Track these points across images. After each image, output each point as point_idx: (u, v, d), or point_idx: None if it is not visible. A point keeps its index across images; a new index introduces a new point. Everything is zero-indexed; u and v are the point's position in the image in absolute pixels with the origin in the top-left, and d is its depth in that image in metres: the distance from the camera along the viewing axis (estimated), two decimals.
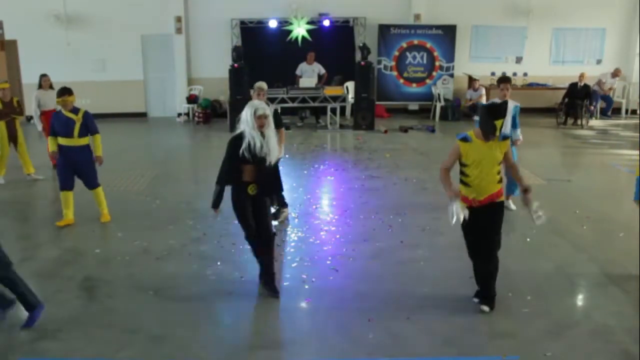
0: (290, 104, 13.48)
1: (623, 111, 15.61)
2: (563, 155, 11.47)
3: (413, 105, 15.86)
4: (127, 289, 5.34)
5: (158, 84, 15.41)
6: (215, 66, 14.50)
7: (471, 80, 14.63)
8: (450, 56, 15.37)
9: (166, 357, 4.29)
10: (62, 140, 6.90)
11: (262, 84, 6.87)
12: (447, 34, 15.24)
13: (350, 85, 14.14)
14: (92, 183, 7.13)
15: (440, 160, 4.99)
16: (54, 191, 8.81)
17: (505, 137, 4.71)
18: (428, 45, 15.31)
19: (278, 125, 6.79)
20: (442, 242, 6.34)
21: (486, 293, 4.90)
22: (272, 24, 14.52)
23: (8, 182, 9.05)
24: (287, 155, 10.82)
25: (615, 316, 4.80)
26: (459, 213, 4.56)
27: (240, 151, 4.84)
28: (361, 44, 13.40)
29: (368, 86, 13.33)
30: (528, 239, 6.54)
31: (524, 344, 4.40)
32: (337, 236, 6.67)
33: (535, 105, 15.65)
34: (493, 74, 15.45)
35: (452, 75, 15.37)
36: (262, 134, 4.89)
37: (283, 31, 14.23)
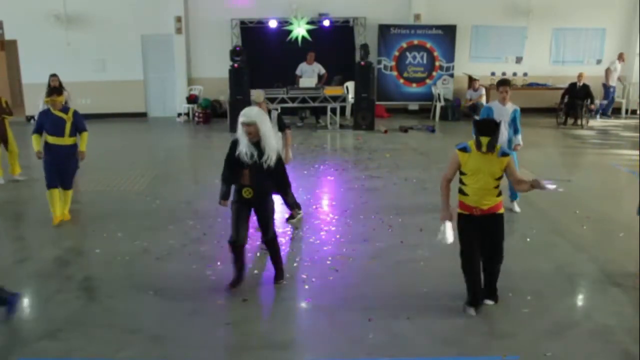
0: (290, 104, 13.49)
1: (623, 111, 15.62)
2: (563, 155, 11.47)
3: (413, 105, 15.86)
4: (127, 289, 5.34)
5: (158, 84, 15.41)
6: (215, 66, 14.50)
7: (471, 80, 14.63)
8: (450, 56, 15.37)
9: (166, 357, 4.29)
10: (52, 139, 6.91)
11: (257, 97, 6.64)
12: (447, 34, 15.24)
13: (350, 85, 14.14)
14: (68, 184, 7.15)
15: (441, 160, 5.01)
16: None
17: (505, 154, 4.66)
18: (428, 45, 15.31)
19: (282, 128, 6.81)
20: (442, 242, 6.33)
21: (492, 291, 4.95)
22: (272, 24, 14.52)
23: (7, 182, 9.04)
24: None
25: (615, 316, 4.80)
26: (446, 235, 4.73)
27: (236, 154, 4.94)
28: (362, 44, 13.36)
29: (368, 86, 13.33)
30: (528, 239, 6.54)
31: (524, 344, 4.40)
32: (337, 236, 6.67)
33: (535, 105, 15.65)
34: (493, 74, 15.46)
35: (452, 75, 15.37)
36: (258, 142, 4.90)
37: (283, 31, 14.23)
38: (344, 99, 13.91)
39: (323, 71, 14.01)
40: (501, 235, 4.82)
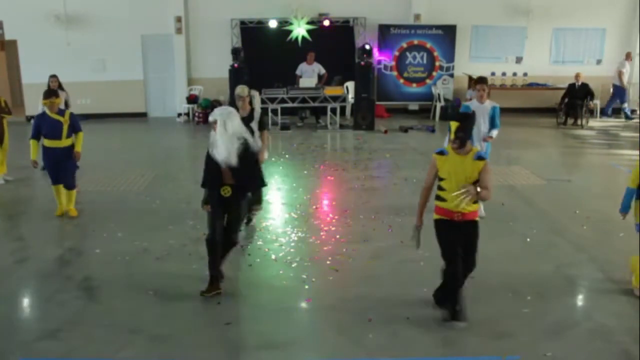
0: (290, 104, 13.49)
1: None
2: (563, 155, 11.47)
3: (413, 105, 15.86)
4: (127, 289, 5.34)
5: (158, 84, 15.41)
6: (215, 66, 14.50)
7: (471, 80, 14.60)
8: (450, 56, 15.37)
9: (166, 357, 4.29)
10: (49, 142, 6.98)
11: (242, 91, 6.75)
12: (447, 34, 15.24)
13: (350, 85, 14.15)
14: (70, 184, 7.22)
15: None
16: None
17: (480, 158, 4.57)
18: (428, 45, 15.31)
19: (261, 127, 6.88)
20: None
21: (455, 305, 4.70)
22: (272, 24, 14.52)
23: (7, 182, 9.04)
24: (287, 155, 10.85)
25: (615, 316, 4.80)
26: (418, 241, 4.77)
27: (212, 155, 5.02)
28: (367, 47, 13.32)
29: (368, 86, 13.33)
30: (528, 239, 6.54)
31: (524, 344, 4.40)
32: (337, 236, 6.67)
33: (535, 105, 15.67)
34: (493, 74, 15.46)
35: (452, 75, 15.37)
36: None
37: (283, 31, 14.24)
38: (344, 99, 13.91)
39: (323, 71, 14.01)
40: (477, 242, 4.70)
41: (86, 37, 14.56)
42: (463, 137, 4.47)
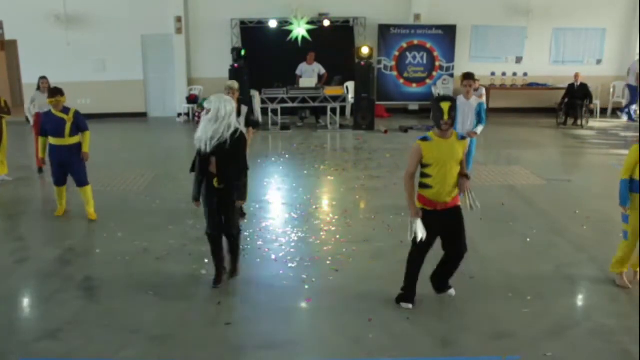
0: (290, 104, 13.49)
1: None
2: (563, 155, 11.47)
3: (413, 105, 15.86)
4: (127, 289, 5.34)
5: (158, 84, 15.40)
6: (215, 66, 14.49)
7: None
8: (450, 56, 15.37)
9: (166, 357, 4.29)
10: (53, 140, 6.97)
11: (233, 83, 6.72)
12: (447, 34, 15.24)
13: (350, 85, 14.14)
14: (81, 181, 7.19)
15: None
16: (52, 190, 8.81)
17: (463, 137, 4.75)
18: (428, 45, 15.31)
19: (247, 124, 6.77)
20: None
21: (447, 280, 5.01)
22: (272, 24, 14.52)
23: (7, 182, 9.05)
24: (287, 155, 10.85)
25: (615, 316, 4.80)
26: (418, 232, 4.65)
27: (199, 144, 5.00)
28: (366, 50, 13.31)
29: (368, 86, 13.34)
30: (528, 239, 6.54)
31: (524, 344, 4.40)
32: (337, 236, 6.67)
33: (535, 105, 15.68)
34: (493, 74, 15.48)
35: (452, 75, 15.35)
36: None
37: (283, 31, 14.23)
38: (344, 99, 13.91)
39: (323, 71, 14.01)
40: (463, 226, 4.80)
41: (86, 37, 14.56)
42: (455, 117, 4.63)
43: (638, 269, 5.38)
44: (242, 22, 14.92)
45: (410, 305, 4.92)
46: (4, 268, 5.84)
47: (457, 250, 4.82)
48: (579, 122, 13.96)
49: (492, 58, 15.66)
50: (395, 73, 15.49)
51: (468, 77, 7.14)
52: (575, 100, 13.86)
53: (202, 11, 15.06)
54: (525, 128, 13.76)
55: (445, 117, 4.54)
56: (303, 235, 6.70)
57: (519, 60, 15.74)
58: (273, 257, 6.06)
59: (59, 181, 7.20)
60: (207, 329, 4.65)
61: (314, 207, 7.79)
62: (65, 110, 6.99)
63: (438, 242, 4.87)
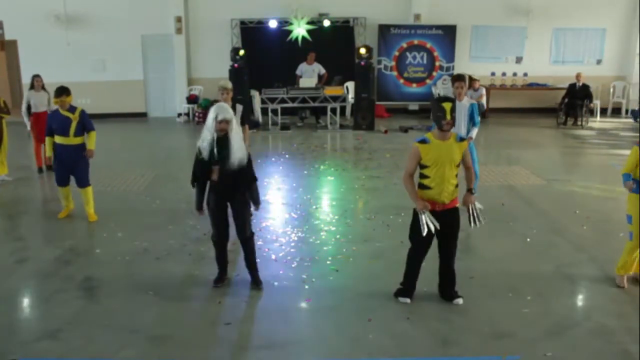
0: (290, 104, 13.49)
1: (623, 111, 15.61)
2: (563, 155, 11.47)
3: (413, 105, 15.86)
4: (127, 289, 5.34)
5: (158, 84, 15.41)
6: (215, 66, 14.49)
7: (471, 80, 14.61)
8: (450, 56, 15.37)
9: (166, 357, 4.29)
10: (58, 139, 6.95)
11: (226, 83, 6.72)
12: (447, 34, 15.24)
13: (350, 85, 14.15)
14: (83, 182, 7.17)
15: None
16: (52, 190, 8.82)
17: (462, 139, 4.76)
18: (428, 45, 15.31)
19: (243, 123, 6.68)
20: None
21: (453, 288, 5.02)
22: (272, 24, 14.52)
23: (7, 182, 9.05)
24: (287, 155, 10.85)
25: (615, 316, 4.80)
26: (429, 224, 4.67)
27: (201, 150, 4.96)
28: (364, 51, 13.31)
29: (368, 86, 13.33)
30: (528, 239, 6.54)
31: (524, 344, 4.40)
32: (337, 236, 6.67)
33: (535, 105, 15.68)
34: (493, 74, 15.48)
35: (452, 76, 15.33)
36: (226, 136, 4.92)
37: (283, 31, 14.23)
38: (344, 99, 13.91)
39: (323, 71, 14.01)
40: (458, 228, 4.86)
41: (86, 37, 14.56)
42: (455, 117, 4.67)
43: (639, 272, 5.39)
44: (242, 22, 14.92)
45: (408, 300, 4.98)
46: (4, 268, 5.84)
47: (450, 252, 4.89)
48: (579, 122, 13.97)
49: (492, 58, 15.66)
50: (395, 73, 15.49)
51: (459, 78, 7.17)
52: (576, 100, 13.86)
53: (202, 11, 15.06)
54: (525, 128, 13.76)
55: (448, 116, 4.57)
56: (303, 235, 6.70)
57: (519, 60, 15.74)
58: (273, 257, 6.06)
59: (62, 181, 7.15)
60: (207, 329, 4.65)
61: (314, 207, 7.79)
62: (72, 109, 6.98)
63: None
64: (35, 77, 9.53)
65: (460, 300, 4.97)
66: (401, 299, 4.99)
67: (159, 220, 7.20)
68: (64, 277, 5.61)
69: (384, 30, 15.23)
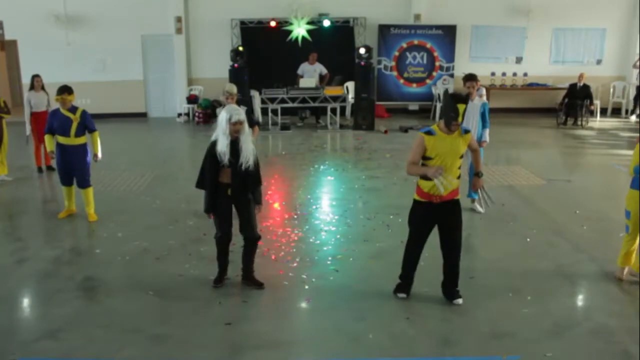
0: (290, 104, 13.49)
1: (623, 111, 15.61)
2: (563, 155, 11.47)
3: (413, 105, 15.86)
4: (127, 289, 5.34)
5: (158, 84, 15.41)
6: (215, 66, 14.50)
7: None
8: (450, 56, 15.37)
9: (166, 357, 4.29)
10: (60, 139, 6.93)
11: (232, 88, 6.74)
12: (447, 34, 15.25)
13: (350, 85, 14.15)
14: (84, 182, 7.16)
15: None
16: (52, 190, 8.84)
17: (467, 131, 4.76)
18: (428, 45, 15.31)
19: (252, 124, 6.76)
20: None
21: (455, 287, 5.01)
22: (272, 24, 14.52)
23: (7, 182, 9.05)
24: (287, 155, 10.85)
25: (615, 316, 4.80)
26: (445, 183, 4.61)
27: (217, 155, 4.91)
28: (363, 51, 13.31)
29: (368, 86, 13.34)
30: (528, 239, 6.54)
31: (524, 344, 4.40)
32: (337, 236, 6.67)
33: (535, 105, 15.69)
34: (493, 74, 15.48)
35: (452, 76, 15.36)
36: (237, 139, 4.91)
37: (283, 31, 14.23)
38: (344, 99, 13.91)
39: (325, 71, 14.02)
40: (460, 221, 4.84)
41: (86, 37, 14.56)
42: (464, 115, 4.64)
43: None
44: (242, 22, 14.92)
45: (404, 295, 5.01)
46: (4, 268, 5.84)
47: (450, 248, 4.86)
48: (579, 122, 13.97)
49: (492, 58, 15.66)
50: (395, 73, 15.49)
51: (471, 78, 7.12)
52: (576, 101, 13.86)
53: (202, 11, 15.07)
54: (525, 128, 13.76)
55: (460, 119, 4.55)
56: (303, 235, 6.70)
57: (519, 60, 15.75)
58: (273, 257, 6.06)
59: (65, 180, 7.14)
60: (207, 329, 4.65)
61: (314, 207, 7.79)
62: (73, 109, 6.96)
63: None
64: (35, 77, 9.53)
65: (460, 300, 4.96)
66: (399, 295, 5.03)
67: (159, 220, 7.20)
68: (64, 277, 5.61)
69: (384, 30, 15.23)
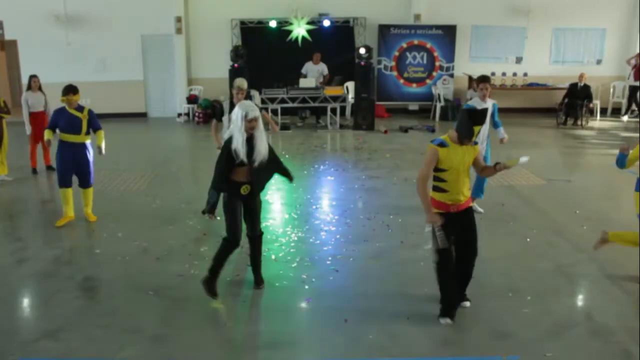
0: (290, 104, 13.49)
1: (623, 111, 15.60)
2: (563, 155, 11.47)
3: (413, 106, 15.87)
4: (127, 289, 5.34)
5: (158, 84, 15.41)
6: (215, 66, 14.51)
7: (471, 80, 14.62)
8: (450, 56, 15.38)
9: (166, 357, 4.29)
10: (68, 137, 6.89)
11: (242, 83, 6.69)
12: (447, 34, 15.25)
13: (350, 85, 14.15)
14: (88, 182, 7.14)
15: None
16: (52, 190, 8.83)
17: (475, 142, 4.69)
18: (428, 45, 15.31)
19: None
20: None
21: (464, 291, 4.92)
22: (272, 24, 14.53)
23: (7, 182, 9.05)
24: (287, 155, 10.85)
25: (615, 316, 4.80)
26: (444, 240, 4.53)
27: (233, 153, 4.82)
28: (363, 51, 13.30)
29: (368, 86, 13.34)
30: (528, 239, 6.54)
31: (524, 344, 4.40)
32: (337, 236, 6.67)
33: (535, 105, 15.69)
34: (493, 74, 15.46)
35: (452, 76, 15.38)
36: (252, 136, 4.85)
37: (283, 31, 14.24)
38: (344, 99, 13.91)
39: (326, 72, 14.03)
40: (475, 227, 4.77)
41: (86, 37, 14.57)
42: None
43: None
44: (242, 22, 14.93)
45: (448, 320, 4.68)
46: (4, 268, 5.84)
47: (467, 254, 4.74)
48: (579, 122, 13.97)
49: (492, 58, 15.67)
50: (395, 73, 15.50)
51: (484, 80, 7.07)
52: (576, 101, 13.86)
53: (202, 11, 15.07)
54: (525, 128, 13.75)
55: (474, 138, 4.50)
56: (303, 235, 6.70)
57: (519, 60, 15.75)
58: (273, 257, 6.06)
59: (65, 181, 7.02)
60: (207, 329, 4.65)
61: (314, 207, 7.79)
62: (80, 108, 6.97)
63: None
64: (32, 78, 9.53)
65: (467, 303, 4.92)
66: (442, 321, 4.69)
67: (159, 220, 7.20)
68: (64, 277, 5.61)
69: (384, 30, 15.23)
